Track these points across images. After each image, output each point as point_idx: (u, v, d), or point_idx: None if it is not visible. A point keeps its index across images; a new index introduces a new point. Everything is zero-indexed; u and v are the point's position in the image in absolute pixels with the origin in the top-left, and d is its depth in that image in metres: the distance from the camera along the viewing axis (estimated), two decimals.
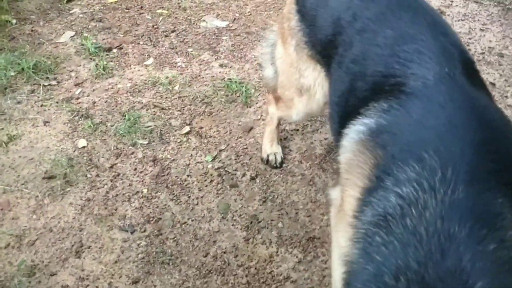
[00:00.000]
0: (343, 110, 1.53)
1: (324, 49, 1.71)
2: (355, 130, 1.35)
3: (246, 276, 2.10)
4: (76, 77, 3.15)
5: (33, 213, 2.31)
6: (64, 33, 3.56)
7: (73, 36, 3.53)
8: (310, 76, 1.96)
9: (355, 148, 1.33)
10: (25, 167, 2.52)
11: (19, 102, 2.90)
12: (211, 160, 2.64)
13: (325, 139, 2.82)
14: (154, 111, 2.94)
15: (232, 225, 2.33)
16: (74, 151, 2.63)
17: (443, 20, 1.67)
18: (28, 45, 3.38)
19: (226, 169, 2.60)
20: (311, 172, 2.60)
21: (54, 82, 3.08)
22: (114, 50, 3.43)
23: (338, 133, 1.54)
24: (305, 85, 2.02)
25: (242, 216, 2.36)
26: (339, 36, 1.60)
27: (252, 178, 2.56)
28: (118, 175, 2.53)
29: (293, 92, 2.12)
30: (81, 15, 3.79)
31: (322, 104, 2.05)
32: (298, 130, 2.88)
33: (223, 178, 2.55)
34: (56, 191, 2.40)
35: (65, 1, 3.94)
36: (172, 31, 3.60)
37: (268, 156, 2.61)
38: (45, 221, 2.28)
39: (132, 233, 2.25)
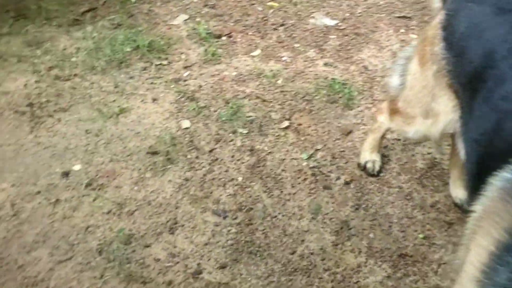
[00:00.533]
0: (484, 151, 1.44)
1: (469, 81, 1.61)
2: (500, 177, 1.21)
3: (332, 281, 2.07)
4: (186, 60, 3.27)
5: (135, 185, 2.44)
6: (178, 15, 3.70)
7: (187, 19, 3.66)
8: (443, 103, 1.88)
9: (496, 194, 1.19)
10: (131, 140, 2.66)
11: (131, 77, 3.06)
12: (307, 158, 2.63)
13: (428, 153, 2.71)
14: (255, 102, 2.97)
15: (322, 227, 2.31)
16: (178, 130, 2.74)
17: None
18: (145, 24, 3.55)
19: (320, 169, 2.58)
20: (410, 186, 2.51)
21: (165, 62, 3.21)
22: (224, 38, 3.51)
23: (474, 176, 1.46)
24: (435, 110, 1.95)
25: (333, 219, 2.33)
26: (490, 69, 1.50)
27: (347, 183, 2.52)
28: (216, 159, 2.59)
29: (418, 111, 2.05)
30: (195, 0, 3.91)
31: (443, 132, 1.98)
32: (399, 140, 2.79)
33: (317, 178, 2.53)
34: (157, 166, 2.52)
35: None
36: (281, 25, 3.62)
37: (366, 162, 2.56)
38: (145, 194, 2.40)
39: (224, 218, 2.30)
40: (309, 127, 2.84)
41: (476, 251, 1.15)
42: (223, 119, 2.80)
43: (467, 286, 1.10)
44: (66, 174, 2.46)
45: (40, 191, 2.40)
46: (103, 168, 2.50)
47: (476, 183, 1.33)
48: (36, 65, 3.04)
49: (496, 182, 1.22)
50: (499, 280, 0.99)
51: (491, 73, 1.46)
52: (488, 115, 1.42)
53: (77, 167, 2.51)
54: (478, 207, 1.27)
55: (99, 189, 2.42)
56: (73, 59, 3.14)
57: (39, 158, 2.55)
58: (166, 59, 3.25)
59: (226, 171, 2.54)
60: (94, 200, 2.37)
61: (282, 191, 2.47)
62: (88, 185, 2.43)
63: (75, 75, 3.02)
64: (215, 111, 2.87)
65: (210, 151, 2.64)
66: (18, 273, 2.07)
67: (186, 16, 3.69)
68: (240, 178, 2.50)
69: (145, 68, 3.14)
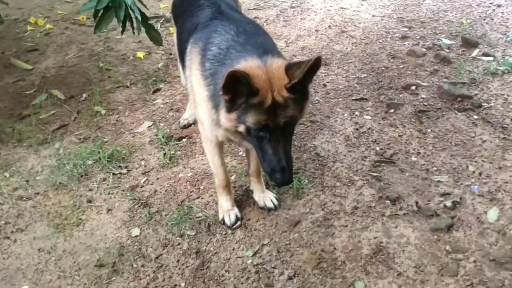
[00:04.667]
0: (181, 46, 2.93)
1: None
2: (188, 45, 2.70)
3: None
4: (145, 166, 3.41)
5: None
6: (143, 123, 3.91)
7: (151, 125, 3.86)
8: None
9: (189, 49, 2.66)
10: (82, 254, 2.73)
11: (90, 190, 3.20)
12: (252, 255, 2.64)
13: (375, 238, 2.69)
14: (207, 201, 3.05)
15: None
16: (128, 239, 2.81)
17: None
18: (110, 135, 3.76)
19: (265, 265, 2.58)
20: (353, 275, 2.48)
21: (124, 171, 3.36)
22: (184, 140, 3.67)
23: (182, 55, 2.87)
24: None
25: None
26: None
27: (290, 278, 2.50)
28: (161, 266, 2.63)
29: None
30: (162, 105, 4.15)
31: None
32: (347, 226, 2.79)
33: (260, 276, 2.53)
34: (102, 279, 2.56)
35: (151, 92, 4.36)
36: None
37: None
38: None
39: None
40: (257, 221, 2.88)
41: (193, 73, 2.52)
42: (173, 222, 2.87)
43: (201, 92, 2.41)
44: None
45: None
46: (50, 287, 2.56)
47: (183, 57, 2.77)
48: (2, 187, 3.22)
49: (188, 47, 2.64)
50: (208, 68, 2.35)
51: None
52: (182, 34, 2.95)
53: None
54: (187, 57, 2.67)
55: None
56: (38, 177, 3.32)
57: None
58: (126, 167, 3.40)
59: (170, 277, 2.57)
60: None
61: None
62: None
63: (37, 193, 3.18)
64: (166, 215, 2.95)
65: (157, 257, 2.68)
66: None
67: (150, 123, 3.90)
68: (182, 284, 2.52)
69: (104, 179, 3.29)
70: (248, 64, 2.12)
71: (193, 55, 2.53)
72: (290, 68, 2.07)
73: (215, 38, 2.38)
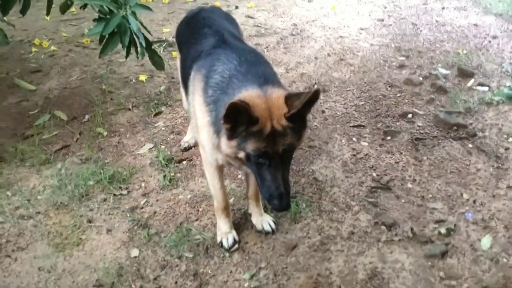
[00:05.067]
0: (185, 72, 2.98)
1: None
2: (192, 71, 2.79)
3: None
4: (145, 187, 3.46)
5: None
6: (144, 145, 3.97)
7: (152, 148, 3.93)
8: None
9: (192, 76, 2.77)
10: (81, 273, 2.77)
11: (91, 210, 3.25)
12: (249, 278, 2.68)
13: (370, 263, 2.73)
14: (206, 223, 3.09)
15: None
16: (126, 260, 2.84)
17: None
18: (112, 156, 3.82)
19: None
20: None
21: (125, 192, 3.41)
22: (184, 162, 3.73)
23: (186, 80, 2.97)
24: None
25: None
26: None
27: None
28: (160, 287, 2.66)
29: None
30: (163, 128, 4.22)
31: None
32: (343, 251, 2.83)
33: None
34: None
35: (152, 115, 4.44)
36: None
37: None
38: None
39: None
40: (255, 244, 2.92)
41: (196, 99, 2.60)
42: (171, 244, 2.91)
43: (203, 117, 2.50)
44: None
45: None
46: None
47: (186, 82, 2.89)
48: (4, 206, 3.26)
49: (192, 73, 2.73)
50: (211, 95, 2.45)
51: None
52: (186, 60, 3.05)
53: None
54: (190, 83, 2.77)
55: None
56: (39, 197, 3.36)
57: None
58: (127, 188, 3.45)
59: None
60: None
61: None
62: None
63: (38, 213, 3.22)
64: (165, 236, 2.99)
65: (155, 278, 2.71)
66: None
67: (151, 145, 3.96)
68: None
69: (105, 200, 3.33)
70: (249, 93, 2.21)
71: (196, 81, 2.62)
72: (289, 98, 2.15)
73: (218, 66, 2.47)
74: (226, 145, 2.25)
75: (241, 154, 2.22)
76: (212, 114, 2.38)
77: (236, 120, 2.11)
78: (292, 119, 2.15)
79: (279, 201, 2.23)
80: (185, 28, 3.34)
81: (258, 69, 2.42)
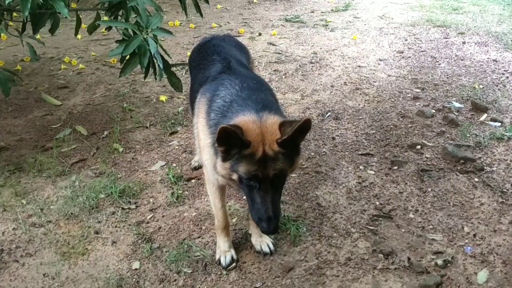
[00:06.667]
0: (193, 93, 3.17)
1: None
2: (198, 95, 2.95)
3: None
4: (153, 203, 3.59)
5: None
6: (157, 162, 4.12)
7: (164, 165, 4.06)
8: None
9: (198, 99, 2.93)
10: (83, 282, 2.88)
11: (99, 222, 3.38)
12: None
13: None
14: (207, 241, 3.18)
15: None
16: (127, 271, 2.95)
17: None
18: (125, 172, 3.97)
19: None
20: None
21: (133, 206, 3.54)
22: (193, 181, 3.85)
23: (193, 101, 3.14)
24: None
25: None
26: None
27: None
28: None
29: None
30: (177, 147, 4.36)
31: None
32: (338, 276, 2.87)
33: None
34: None
35: (168, 134, 4.59)
36: None
37: None
38: None
39: None
40: (252, 264, 2.98)
41: (199, 121, 2.75)
42: (172, 259, 3.00)
43: (205, 139, 2.63)
44: None
45: None
46: None
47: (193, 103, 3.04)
48: (18, 213, 3.43)
49: (198, 96, 2.88)
50: (213, 118, 2.57)
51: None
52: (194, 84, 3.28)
53: None
54: (196, 105, 2.91)
55: None
56: (52, 206, 3.52)
57: None
58: (135, 203, 3.58)
59: None
60: None
61: None
62: None
63: (49, 221, 3.37)
64: (166, 251, 3.09)
65: None
66: None
67: (163, 163, 4.10)
68: None
69: (113, 213, 3.46)
70: (244, 118, 2.33)
71: (200, 104, 2.75)
72: (283, 125, 2.27)
73: (221, 91, 2.60)
74: (221, 167, 2.36)
75: (234, 176, 2.32)
76: (213, 136, 2.50)
77: (230, 143, 2.22)
78: (284, 145, 2.25)
79: (267, 224, 2.32)
80: (196, 54, 3.51)
81: (259, 95, 2.54)
